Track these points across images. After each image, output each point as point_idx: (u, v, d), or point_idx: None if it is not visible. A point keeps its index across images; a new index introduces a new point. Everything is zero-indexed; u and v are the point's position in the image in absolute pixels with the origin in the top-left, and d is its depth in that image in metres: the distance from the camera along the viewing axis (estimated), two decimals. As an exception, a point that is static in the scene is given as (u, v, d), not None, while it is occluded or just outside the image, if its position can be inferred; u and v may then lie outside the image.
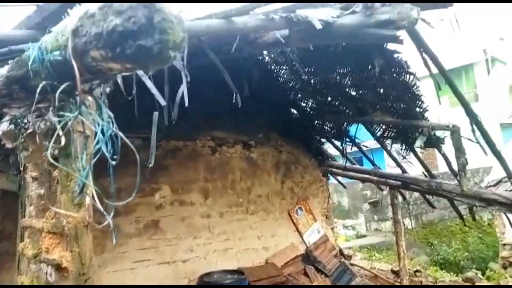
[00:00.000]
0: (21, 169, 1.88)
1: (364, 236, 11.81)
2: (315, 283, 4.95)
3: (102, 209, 1.27)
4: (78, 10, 1.02)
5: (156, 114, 1.91)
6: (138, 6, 0.90)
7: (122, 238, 3.82)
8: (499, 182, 8.82)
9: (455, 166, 4.32)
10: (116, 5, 0.91)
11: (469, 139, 4.06)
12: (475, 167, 14.32)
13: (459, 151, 4.10)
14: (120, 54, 0.93)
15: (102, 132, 1.26)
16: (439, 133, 4.74)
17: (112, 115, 1.31)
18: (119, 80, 2.07)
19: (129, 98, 2.13)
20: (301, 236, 5.74)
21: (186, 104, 1.98)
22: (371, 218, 12.41)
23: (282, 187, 5.75)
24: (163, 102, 1.87)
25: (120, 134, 1.26)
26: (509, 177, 4.69)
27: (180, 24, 0.93)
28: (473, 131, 4.01)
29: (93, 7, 0.96)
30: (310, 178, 6.22)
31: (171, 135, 4.38)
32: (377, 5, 2.15)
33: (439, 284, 4.07)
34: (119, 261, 3.75)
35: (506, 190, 5.63)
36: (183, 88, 1.95)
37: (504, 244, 9.64)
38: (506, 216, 5.79)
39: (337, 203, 16.66)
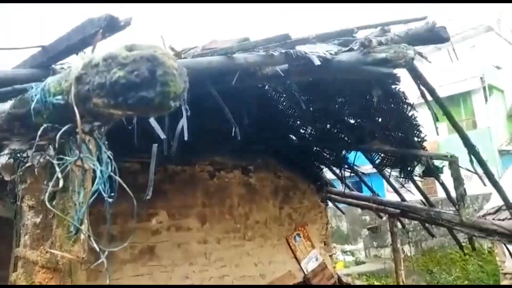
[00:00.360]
0: (18, 198, 1.88)
1: (363, 262, 11.65)
2: (312, 314, 4.86)
3: (97, 248, 1.27)
4: (83, 57, 1.06)
5: (155, 146, 1.93)
6: (142, 59, 0.93)
7: (117, 265, 3.77)
8: (498, 209, 8.78)
9: (454, 194, 4.33)
10: (120, 58, 0.95)
11: (467, 169, 4.08)
12: (474, 193, 14.30)
13: (458, 181, 4.11)
14: (122, 103, 0.96)
15: (101, 172, 1.27)
16: (437, 162, 4.76)
17: (111, 155, 1.33)
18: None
19: (130, 127, 2.16)
20: (299, 263, 5.67)
21: (186, 138, 2.01)
22: (370, 245, 12.27)
23: (280, 213, 5.71)
24: (162, 136, 1.90)
25: (118, 178, 1.26)
26: (507, 206, 4.68)
27: (182, 75, 0.96)
28: (471, 161, 4.04)
29: (98, 57, 1.00)
30: (308, 204, 6.19)
31: (169, 160, 4.40)
32: (374, 43, 2.21)
33: None
34: (113, 289, 3.69)
35: (505, 219, 5.61)
36: (183, 122, 1.98)
37: (505, 273, 9.50)
38: (506, 246, 5.74)
39: (336, 227, 16.52)
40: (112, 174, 1.25)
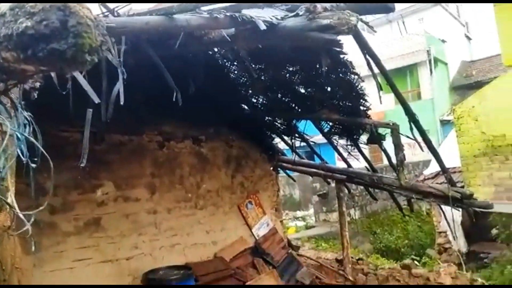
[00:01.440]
0: None
1: (313, 226, 12.23)
2: (262, 275, 5.05)
3: (21, 215, 1.19)
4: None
5: (89, 111, 1.82)
6: (52, 8, 0.84)
7: (60, 236, 3.63)
8: (436, 175, 9.52)
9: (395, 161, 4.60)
10: (28, 6, 0.84)
11: (407, 136, 4.32)
12: (416, 160, 15.34)
13: (398, 147, 4.36)
14: (32, 56, 0.87)
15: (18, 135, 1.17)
16: (381, 130, 4.99)
17: (30, 115, 1.22)
18: (53, 75, 1.94)
19: (64, 93, 2.01)
20: (250, 230, 5.82)
21: (122, 103, 1.90)
22: (319, 210, 12.87)
23: (232, 182, 5.76)
24: (96, 100, 1.78)
25: (35, 141, 1.17)
26: (443, 172, 5.05)
27: (99, 27, 0.89)
28: (411, 129, 4.28)
29: (5, 6, 0.89)
30: (260, 172, 6.29)
31: (114, 129, 4.22)
32: (319, 9, 2.20)
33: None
34: (57, 260, 3.56)
35: (442, 183, 6.08)
36: (119, 86, 1.87)
37: (440, 232, 10.45)
38: (440, 207, 6.25)
39: (289, 195, 17.07)
40: (29, 137, 1.15)
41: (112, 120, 3.99)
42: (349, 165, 5.81)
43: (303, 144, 6.01)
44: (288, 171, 6.98)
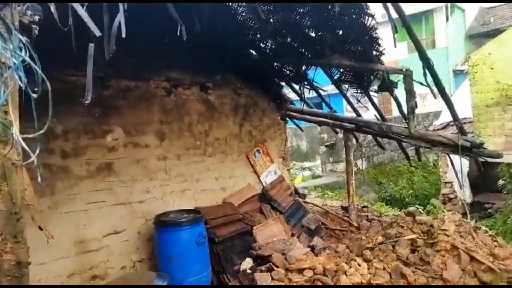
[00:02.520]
0: None
1: (320, 176, 12.43)
2: (270, 220, 5.21)
3: (26, 146, 1.19)
4: None
5: (92, 46, 1.76)
6: None
7: (73, 180, 3.72)
8: (446, 125, 9.43)
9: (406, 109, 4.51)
10: None
11: (420, 83, 4.19)
12: (426, 111, 15.13)
13: (410, 94, 4.24)
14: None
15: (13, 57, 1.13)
16: (393, 78, 4.85)
17: (26, 39, 1.17)
18: (53, 9, 1.86)
19: (65, 29, 1.94)
20: (258, 177, 5.91)
21: (123, 35, 1.83)
22: (326, 160, 12.99)
23: (240, 130, 5.76)
24: (97, 33, 1.71)
25: (33, 65, 1.13)
26: (454, 120, 4.96)
27: None
28: (424, 74, 4.13)
29: None
30: (268, 121, 6.26)
31: (121, 74, 4.16)
32: None
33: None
34: (71, 203, 3.68)
35: (452, 133, 6.01)
36: (120, 17, 1.78)
37: (446, 182, 10.57)
38: (449, 157, 6.23)
39: (296, 146, 17.19)
40: (28, 59, 1.11)
41: (118, 65, 3.93)
42: (358, 114, 5.73)
43: (312, 95, 5.91)
44: (296, 121, 6.93)
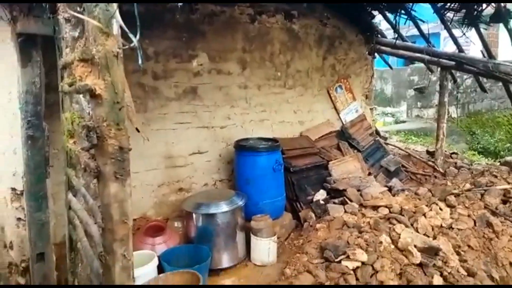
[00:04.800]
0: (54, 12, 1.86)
1: (404, 122, 11.66)
2: (347, 156, 5.11)
3: (128, 31, 1.24)
4: None
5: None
6: None
7: (163, 101, 3.99)
8: None
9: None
10: None
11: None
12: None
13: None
14: None
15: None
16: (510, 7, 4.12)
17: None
18: None
19: None
20: (338, 114, 5.73)
21: None
22: (414, 105, 12.05)
23: (323, 63, 5.52)
24: None
25: None
26: None
27: None
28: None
29: None
30: (354, 55, 5.88)
31: (207, -2, 4.15)
32: None
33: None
34: (161, 121, 3.99)
35: None
36: None
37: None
38: None
39: (380, 90, 16.14)
40: None
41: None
42: (460, 50, 5.06)
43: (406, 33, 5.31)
44: (385, 57, 6.40)
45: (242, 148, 4.15)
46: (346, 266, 3.13)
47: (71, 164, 1.90)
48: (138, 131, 1.94)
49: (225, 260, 3.59)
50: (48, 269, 2.81)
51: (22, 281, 2.91)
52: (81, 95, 1.71)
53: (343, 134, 5.60)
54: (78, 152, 1.52)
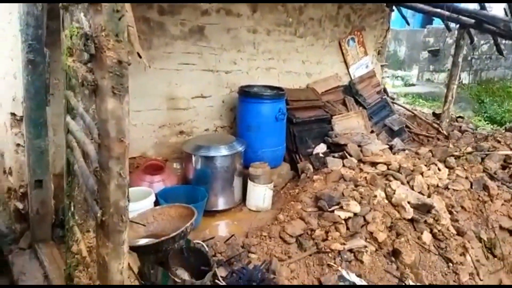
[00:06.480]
0: None
1: (413, 85, 11.41)
2: (351, 112, 5.04)
3: None
4: None
5: None
6: None
7: (168, 38, 3.85)
8: None
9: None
10: None
11: None
12: None
13: None
14: None
15: None
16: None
17: None
18: None
19: None
20: (348, 68, 5.58)
21: None
22: (426, 68, 11.72)
23: (338, 13, 5.27)
24: None
25: None
26: None
27: None
28: None
29: None
30: (371, 6, 5.59)
31: None
32: None
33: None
34: (165, 61, 3.88)
35: None
36: None
37: None
38: None
39: (393, 52, 15.64)
40: None
41: None
42: (483, 7, 4.79)
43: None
44: (403, 10, 6.09)
45: (246, 94, 4.08)
46: (339, 216, 3.18)
47: (70, 86, 1.85)
48: (140, 56, 1.87)
49: (221, 203, 3.67)
50: (46, 196, 2.86)
51: (20, 206, 2.98)
52: (81, 13, 1.63)
53: (350, 89, 5.49)
54: (77, 68, 1.47)
